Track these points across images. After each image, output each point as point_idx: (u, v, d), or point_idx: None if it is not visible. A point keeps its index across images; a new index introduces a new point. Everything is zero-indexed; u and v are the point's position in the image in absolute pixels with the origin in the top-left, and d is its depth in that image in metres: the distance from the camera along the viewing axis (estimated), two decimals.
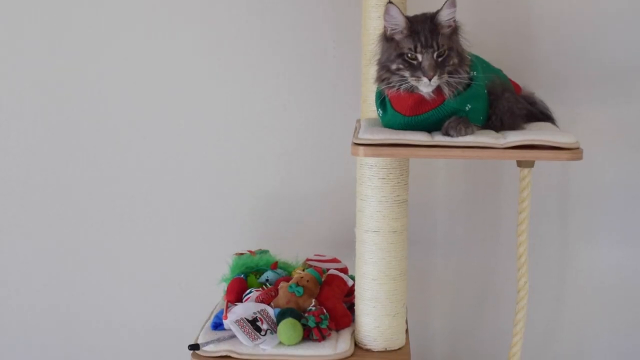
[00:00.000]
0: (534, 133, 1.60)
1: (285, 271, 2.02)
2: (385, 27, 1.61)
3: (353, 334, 1.83)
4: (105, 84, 2.23)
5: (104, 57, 2.21)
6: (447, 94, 1.58)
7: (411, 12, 1.65)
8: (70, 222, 2.31)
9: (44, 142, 2.27)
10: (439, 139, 1.57)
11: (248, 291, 1.91)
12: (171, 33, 2.19)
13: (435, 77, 1.56)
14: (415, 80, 1.57)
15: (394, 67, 1.59)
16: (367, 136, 1.59)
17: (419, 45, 1.56)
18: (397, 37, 1.60)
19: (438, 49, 1.56)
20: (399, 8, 1.57)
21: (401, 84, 1.58)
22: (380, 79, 1.63)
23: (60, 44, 2.21)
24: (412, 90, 1.59)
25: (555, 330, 2.32)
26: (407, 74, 1.57)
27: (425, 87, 1.57)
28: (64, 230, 2.32)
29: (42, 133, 2.26)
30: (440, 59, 1.57)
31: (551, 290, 2.29)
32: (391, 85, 1.60)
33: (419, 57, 1.57)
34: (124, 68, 2.22)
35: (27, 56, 2.22)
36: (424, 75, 1.56)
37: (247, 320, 1.75)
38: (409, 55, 1.57)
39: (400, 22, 1.58)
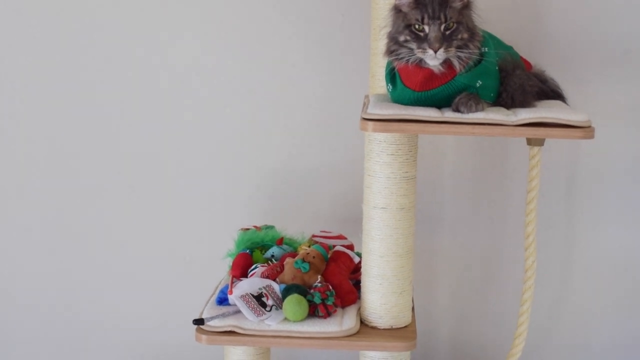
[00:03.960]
0: (545, 111, 1.59)
1: (290, 247, 2.01)
2: None
3: (359, 311, 1.82)
4: (106, 55, 2.21)
5: (99, 27, 2.19)
6: (458, 68, 1.56)
7: None
8: (73, 197, 2.30)
9: (48, 115, 2.25)
10: (448, 115, 1.56)
11: (253, 266, 1.90)
12: None
13: (441, 50, 1.54)
14: (422, 52, 1.55)
15: (402, 38, 1.57)
16: (376, 111, 1.57)
17: (426, 17, 1.54)
18: (406, 8, 1.58)
19: (446, 21, 1.54)
20: None
21: (409, 57, 1.57)
22: (389, 52, 1.61)
23: (54, 30, 2.19)
24: (420, 63, 1.57)
25: (562, 310, 2.31)
26: (414, 45, 1.56)
27: (431, 59, 1.55)
28: (67, 205, 2.31)
29: (45, 107, 2.25)
30: (448, 32, 1.55)
31: (558, 270, 2.28)
32: (399, 57, 1.58)
33: (426, 28, 1.55)
34: (125, 37, 2.19)
35: (22, 43, 2.21)
36: (430, 47, 1.54)
37: (253, 295, 1.75)
38: (416, 26, 1.56)
39: None
